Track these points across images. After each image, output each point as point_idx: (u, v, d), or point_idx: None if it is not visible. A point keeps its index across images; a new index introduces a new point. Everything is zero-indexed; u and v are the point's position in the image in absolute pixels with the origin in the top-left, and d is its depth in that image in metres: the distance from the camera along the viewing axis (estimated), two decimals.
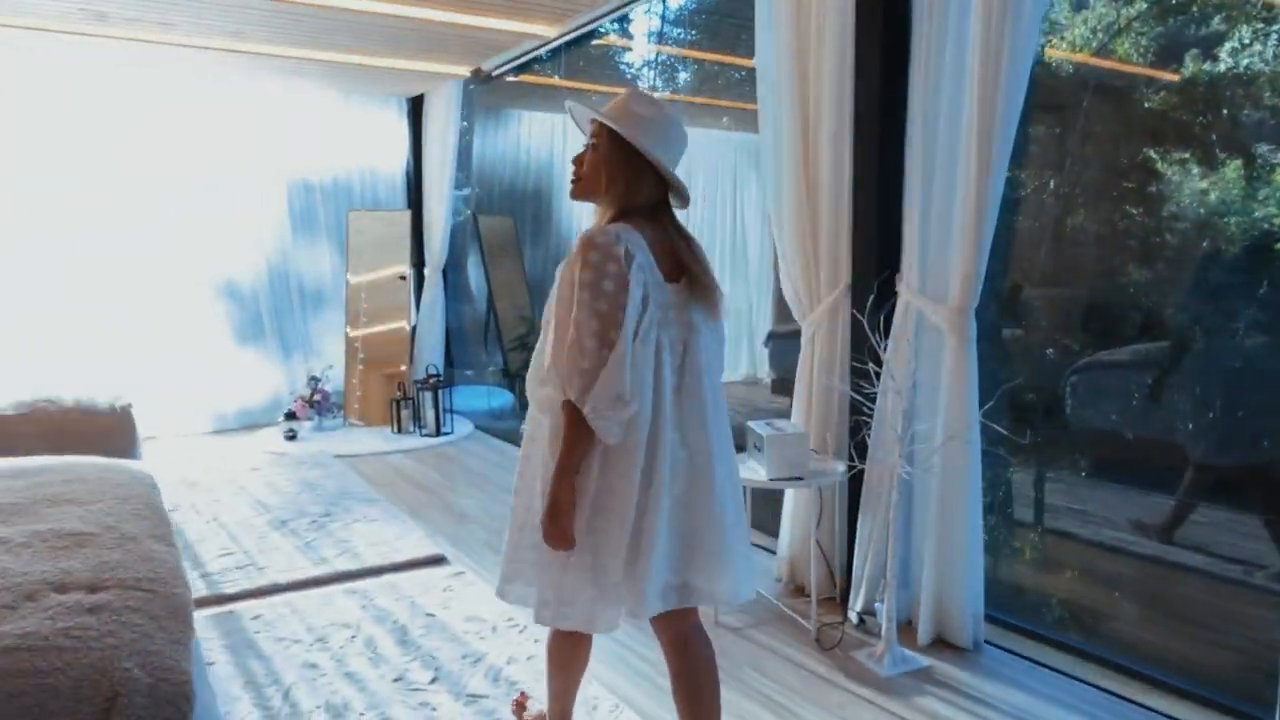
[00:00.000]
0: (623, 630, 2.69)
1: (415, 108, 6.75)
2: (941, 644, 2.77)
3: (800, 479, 2.83)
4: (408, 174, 6.93)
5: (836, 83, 2.89)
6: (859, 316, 2.84)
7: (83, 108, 5.63)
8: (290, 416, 5.94)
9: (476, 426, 6.35)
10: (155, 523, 1.79)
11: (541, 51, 5.25)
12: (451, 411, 6.14)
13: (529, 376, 1.85)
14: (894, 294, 2.81)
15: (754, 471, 2.90)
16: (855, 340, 2.98)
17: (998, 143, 2.47)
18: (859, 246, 2.97)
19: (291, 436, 5.87)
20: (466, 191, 7.28)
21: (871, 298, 2.83)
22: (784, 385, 6.13)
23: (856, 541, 2.95)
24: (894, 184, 2.80)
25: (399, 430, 6.05)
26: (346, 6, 4.15)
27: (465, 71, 5.77)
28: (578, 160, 1.88)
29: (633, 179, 1.80)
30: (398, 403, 6.06)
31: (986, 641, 2.78)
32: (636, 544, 1.73)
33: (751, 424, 2.98)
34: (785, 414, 3.28)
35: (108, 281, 5.79)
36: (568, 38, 4.82)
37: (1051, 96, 3.42)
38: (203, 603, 3.12)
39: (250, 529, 3.94)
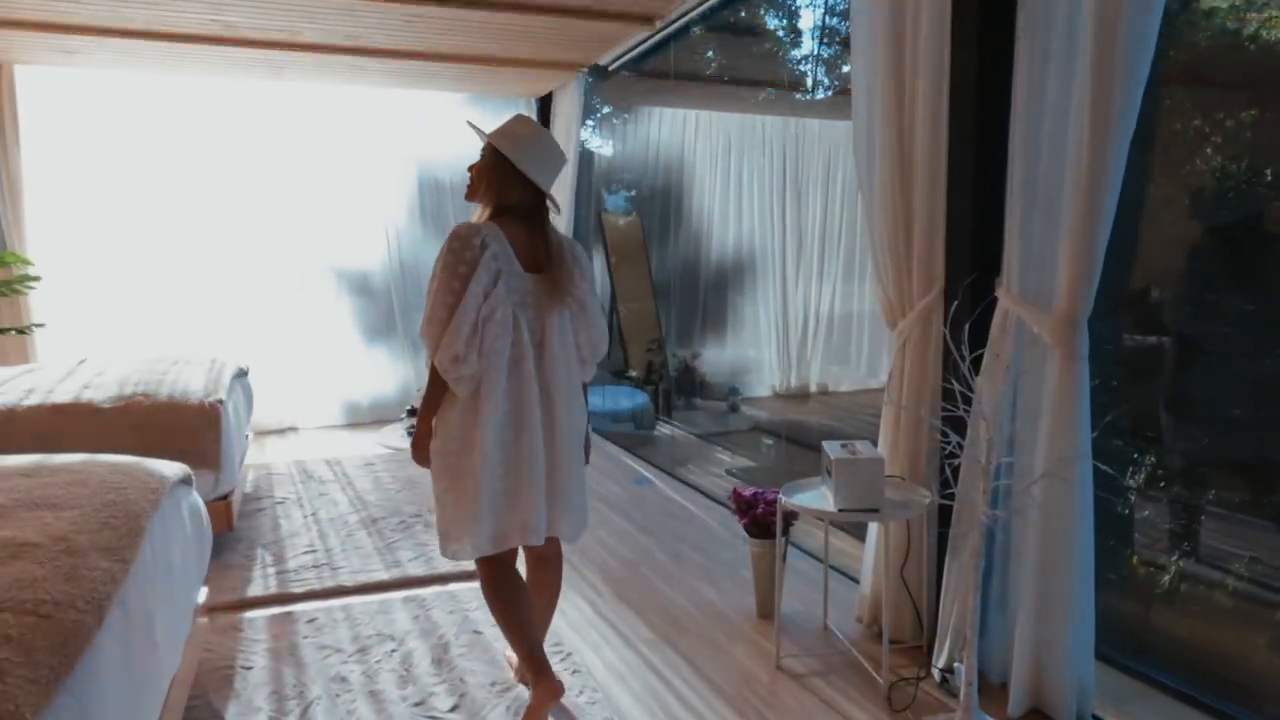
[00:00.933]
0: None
1: (544, 107, 6.73)
2: (1038, 717, 2.33)
3: (874, 511, 2.47)
4: None
5: (935, 50, 2.50)
6: (950, 329, 2.44)
7: (218, 113, 5.97)
8: (412, 413, 6.06)
9: (594, 430, 6.23)
10: (120, 534, 1.73)
11: (657, 39, 5.04)
12: None
13: None
14: (991, 299, 2.40)
15: (824, 500, 2.57)
16: (947, 353, 2.57)
17: (1116, 123, 2.02)
18: (955, 244, 2.56)
19: (413, 432, 5.98)
20: (628, 195, 7.21)
21: (955, 303, 2.43)
22: None
23: (943, 587, 2.54)
24: (995, 168, 2.38)
25: None
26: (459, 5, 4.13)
27: (580, 67, 5.66)
28: (470, 168, 2.29)
29: (503, 185, 2.21)
30: None
31: (1095, 718, 2.31)
32: (515, 484, 2.18)
33: (826, 445, 2.64)
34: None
35: (249, 279, 6.13)
36: (678, 24, 4.59)
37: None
38: (264, 602, 3.14)
39: (340, 526, 3.98)
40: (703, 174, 7.12)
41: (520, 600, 2.27)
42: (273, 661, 2.68)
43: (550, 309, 2.21)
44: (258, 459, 5.31)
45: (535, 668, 2.22)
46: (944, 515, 2.58)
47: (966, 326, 2.36)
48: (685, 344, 7.05)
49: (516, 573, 2.32)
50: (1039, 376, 2.28)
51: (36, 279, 5.42)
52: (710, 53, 6.75)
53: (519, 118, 2.28)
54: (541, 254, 2.21)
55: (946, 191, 2.55)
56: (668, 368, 6.87)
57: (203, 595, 2.54)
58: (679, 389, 6.87)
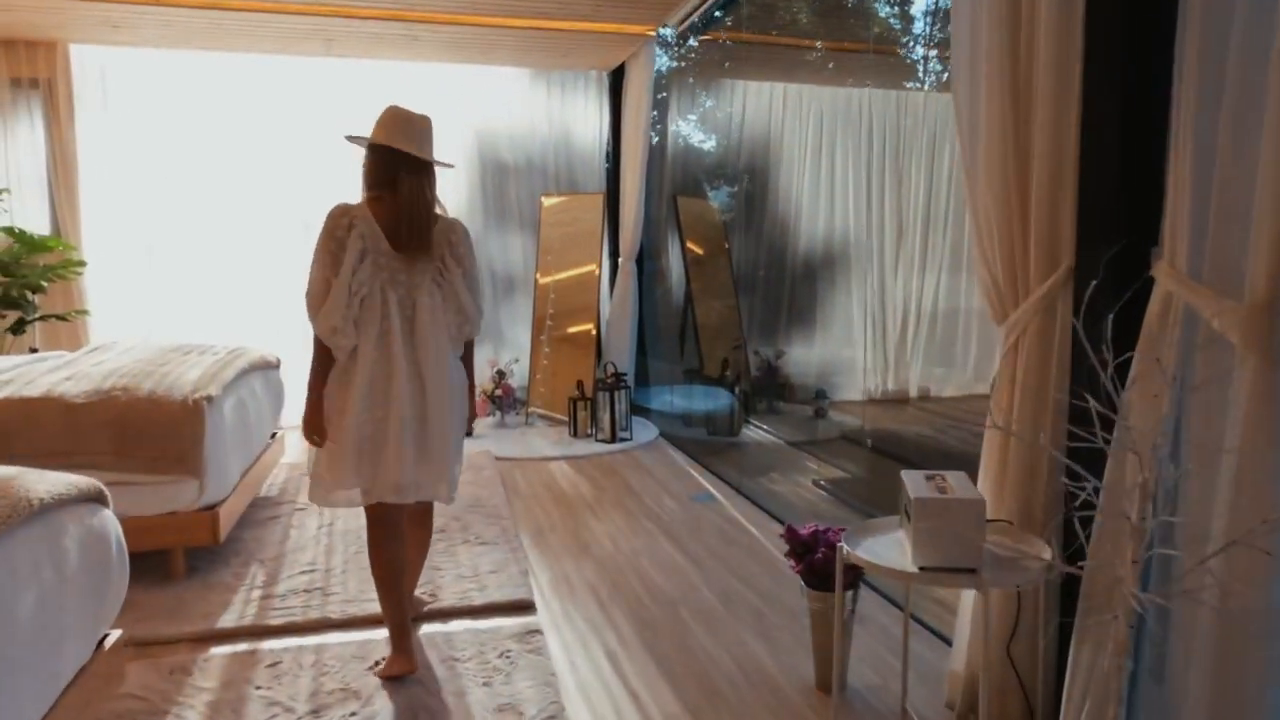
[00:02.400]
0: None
1: (616, 82, 6.17)
2: None
3: (970, 572, 1.79)
4: (607, 154, 6.37)
5: None
6: (1084, 321, 1.73)
7: (274, 92, 5.66)
8: None
9: (662, 433, 5.64)
10: None
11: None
12: (631, 414, 5.47)
13: None
14: (1143, 281, 1.68)
15: (900, 550, 1.90)
16: (1078, 356, 1.87)
17: None
18: (1092, 201, 1.84)
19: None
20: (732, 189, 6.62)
21: (1092, 285, 1.72)
22: None
23: (1067, 681, 1.83)
24: (1151, 105, 1.66)
25: (575, 433, 5.51)
26: None
27: (649, 30, 5.07)
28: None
29: (371, 168, 2.45)
30: (575, 403, 5.52)
31: None
32: (382, 447, 2.35)
33: (906, 477, 1.97)
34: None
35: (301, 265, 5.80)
36: None
37: None
38: (230, 636, 2.68)
39: (352, 541, 3.52)
40: (790, 154, 6.40)
41: (395, 563, 2.44)
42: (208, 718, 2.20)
43: (419, 287, 2.39)
44: (294, 457, 4.95)
45: (396, 636, 2.43)
46: (1070, 585, 1.87)
47: (1109, 319, 1.64)
48: (768, 341, 6.36)
49: (397, 535, 2.47)
50: (1220, 394, 1.54)
51: (82, 264, 5.22)
52: (797, 12, 6.04)
53: (388, 107, 2.46)
54: (404, 226, 2.36)
55: (1079, 126, 1.84)
56: (749, 366, 6.21)
57: (113, 637, 2.08)
58: (760, 390, 6.19)
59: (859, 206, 6.40)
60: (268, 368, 4.18)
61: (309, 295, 2.31)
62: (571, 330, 5.91)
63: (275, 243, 5.75)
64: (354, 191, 2.52)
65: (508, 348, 6.25)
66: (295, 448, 4.84)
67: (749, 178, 6.46)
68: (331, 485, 2.38)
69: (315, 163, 5.70)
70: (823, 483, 4.82)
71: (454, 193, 6.07)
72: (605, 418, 5.38)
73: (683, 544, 3.55)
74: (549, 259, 6.04)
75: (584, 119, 6.33)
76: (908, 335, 6.43)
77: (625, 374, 5.57)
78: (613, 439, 5.33)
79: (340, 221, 2.32)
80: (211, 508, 3.13)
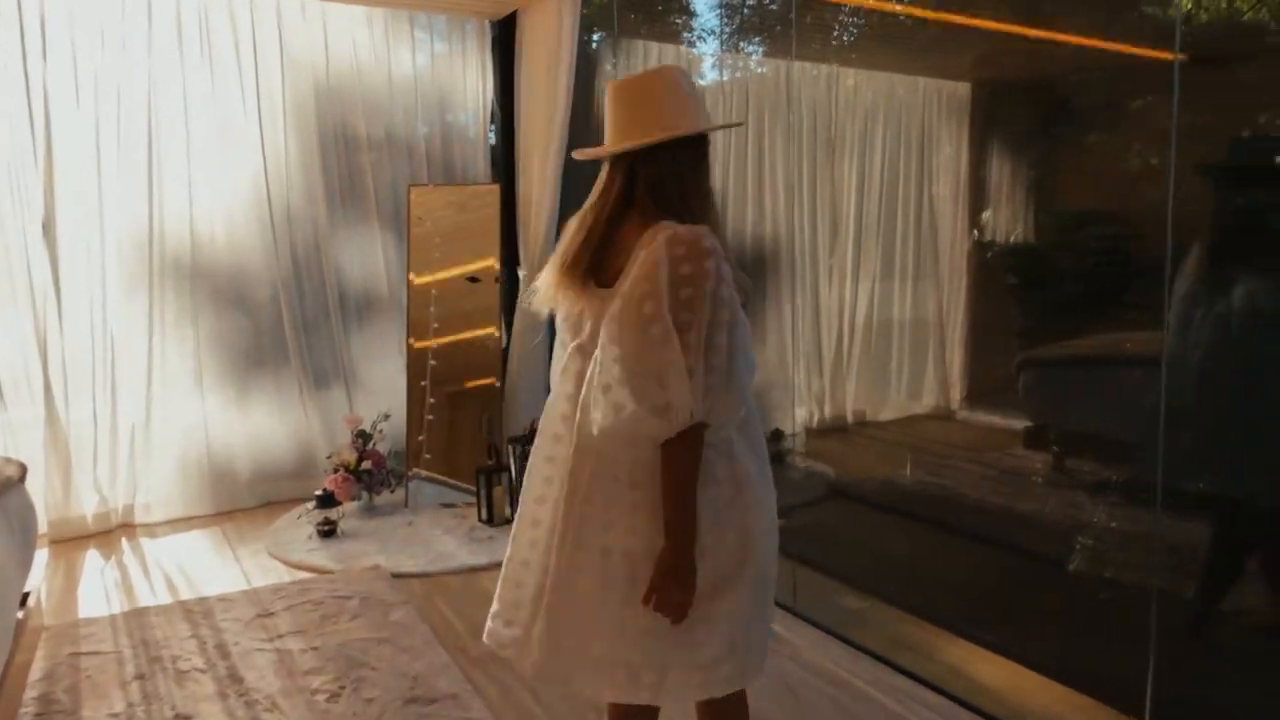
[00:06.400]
0: None
1: (506, 33, 4.60)
2: None
3: None
4: (497, 133, 4.79)
5: None
6: None
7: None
8: (325, 501, 3.84)
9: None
10: None
11: None
12: None
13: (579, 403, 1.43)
14: None
15: None
16: None
17: None
18: None
19: (328, 532, 3.79)
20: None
21: None
22: (1043, 437, 3.89)
23: None
24: None
25: (490, 518, 3.94)
26: None
27: None
28: None
29: (693, 165, 1.56)
30: (488, 476, 3.94)
31: None
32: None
33: None
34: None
35: (48, 273, 3.75)
36: None
37: None
38: None
39: None
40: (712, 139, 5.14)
41: None
42: None
43: None
44: (62, 607, 3.03)
45: None
46: None
47: None
48: None
49: None
50: None
51: None
52: None
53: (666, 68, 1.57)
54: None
55: None
56: None
57: None
58: None
59: (790, 201, 5.30)
60: (5, 488, 2.34)
61: (734, 373, 1.37)
62: (471, 382, 4.30)
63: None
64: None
65: (369, 393, 4.52)
66: (88, 579, 2.94)
67: None
68: (759, 654, 1.52)
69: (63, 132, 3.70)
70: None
71: (283, 175, 4.25)
72: None
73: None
74: (434, 256, 4.38)
75: (463, 84, 4.71)
76: (844, 351, 5.45)
77: None
78: None
79: (719, 254, 1.40)
80: None
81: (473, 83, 4.70)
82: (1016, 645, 2.89)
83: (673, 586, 1.35)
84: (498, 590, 1.60)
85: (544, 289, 1.53)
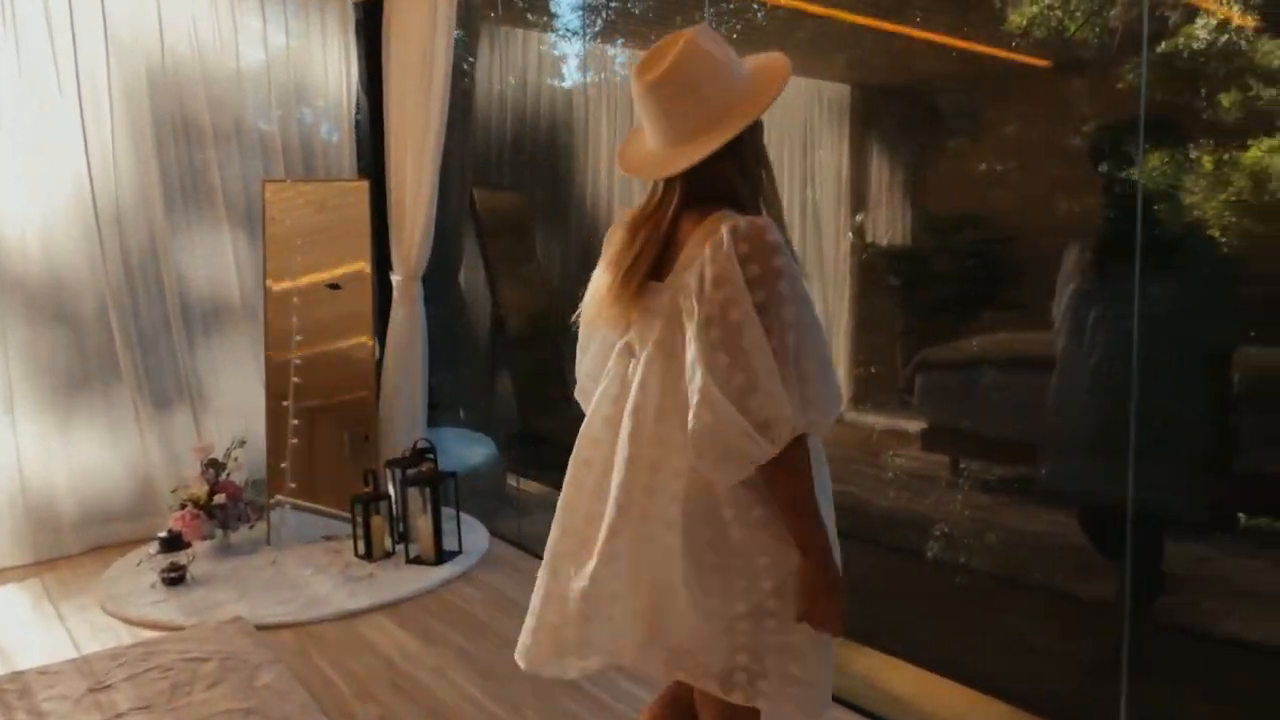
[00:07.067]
0: None
1: (371, 16, 4.18)
2: None
3: None
4: (364, 125, 4.35)
5: None
6: None
7: None
8: (171, 544, 3.32)
9: (492, 533, 3.87)
10: None
11: None
12: (458, 509, 3.62)
13: (712, 427, 1.23)
14: None
15: None
16: None
17: None
18: None
19: (175, 579, 3.27)
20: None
21: None
22: (940, 437, 3.89)
23: None
24: None
25: (368, 553, 3.53)
26: None
27: None
28: None
29: (755, 154, 1.42)
30: (366, 506, 3.53)
31: None
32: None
33: None
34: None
35: None
36: None
37: None
38: None
39: None
40: (600, 135, 4.91)
41: None
42: None
43: None
44: None
45: None
46: None
47: None
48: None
49: None
50: None
51: None
52: None
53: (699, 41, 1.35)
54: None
55: None
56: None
57: None
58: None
59: None
60: None
61: (827, 384, 1.27)
62: (340, 399, 3.86)
63: None
64: None
65: (217, 415, 4.00)
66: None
67: (554, 162, 4.88)
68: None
69: None
70: None
71: (111, 171, 3.69)
72: (420, 525, 3.48)
73: None
74: (295, 260, 3.90)
75: (323, 70, 4.25)
76: None
77: (430, 449, 3.69)
78: (437, 559, 3.46)
79: (784, 249, 1.27)
80: None
81: (334, 69, 4.26)
82: (924, 651, 2.81)
83: (825, 602, 1.30)
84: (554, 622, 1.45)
85: (596, 305, 1.42)
